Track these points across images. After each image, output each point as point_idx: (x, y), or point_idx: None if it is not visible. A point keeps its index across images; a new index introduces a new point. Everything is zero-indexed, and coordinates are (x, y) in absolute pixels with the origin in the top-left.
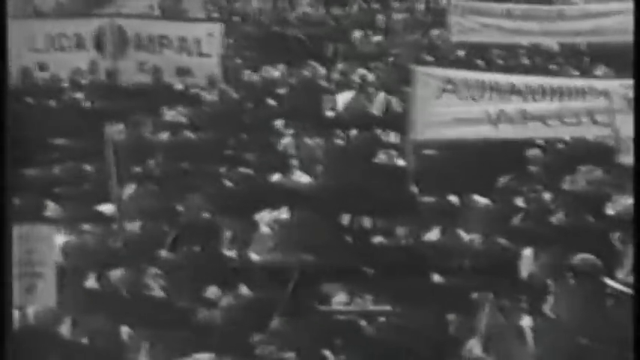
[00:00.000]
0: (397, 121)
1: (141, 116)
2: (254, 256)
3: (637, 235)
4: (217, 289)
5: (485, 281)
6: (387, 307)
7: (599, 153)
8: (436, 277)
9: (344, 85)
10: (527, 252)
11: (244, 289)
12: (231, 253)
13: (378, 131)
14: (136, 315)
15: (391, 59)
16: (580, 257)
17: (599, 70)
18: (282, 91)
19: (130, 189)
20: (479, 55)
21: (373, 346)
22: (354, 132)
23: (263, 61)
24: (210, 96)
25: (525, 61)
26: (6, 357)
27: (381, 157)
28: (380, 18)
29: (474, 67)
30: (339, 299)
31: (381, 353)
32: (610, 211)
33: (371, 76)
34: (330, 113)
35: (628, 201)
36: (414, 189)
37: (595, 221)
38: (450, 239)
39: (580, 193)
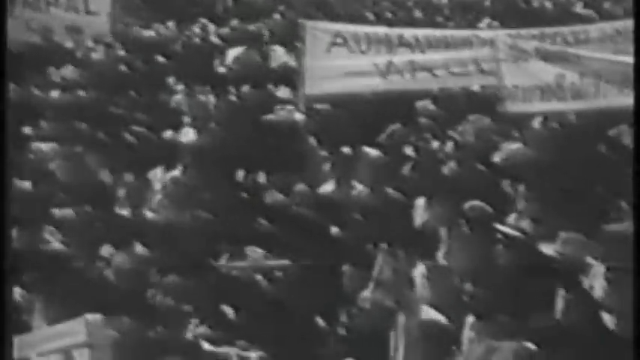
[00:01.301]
0: (289, 76)
1: (30, 75)
2: (148, 214)
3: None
4: (111, 247)
5: (380, 232)
6: (284, 261)
7: (486, 102)
8: (332, 230)
9: (234, 40)
10: (420, 201)
11: (139, 248)
12: (125, 212)
13: (271, 86)
14: (30, 275)
15: (280, 15)
16: (471, 205)
17: (484, 23)
18: (172, 48)
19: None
20: (368, 9)
21: (270, 300)
22: (246, 88)
23: (153, 19)
24: (99, 55)
25: (414, 13)
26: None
27: (275, 113)
28: None
29: (363, 21)
30: (235, 255)
31: (277, 307)
32: (497, 158)
33: (262, 32)
34: (221, 70)
35: (513, 146)
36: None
37: (485, 169)
38: (344, 191)
39: (469, 143)
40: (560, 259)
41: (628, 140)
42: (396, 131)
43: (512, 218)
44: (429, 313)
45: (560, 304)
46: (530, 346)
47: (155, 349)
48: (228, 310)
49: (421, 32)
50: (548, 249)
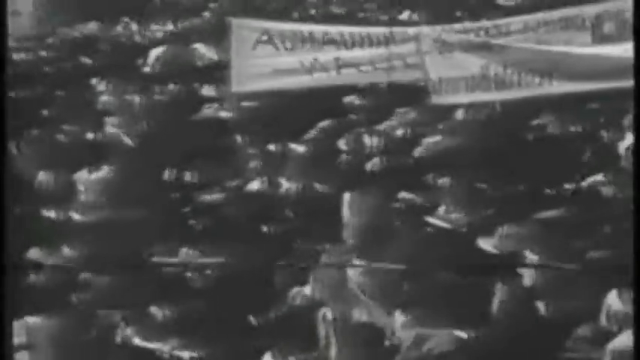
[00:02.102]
0: (215, 75)
1: None
2: (75, 216)
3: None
4: (39, 250)
5: (310, 228)
6: (215, 259)
7: (412, 95)
8: (262, 227)
9: (160, 40)
10: (350, 196)
11: (66, 250)
12: (51, 214)
13: (197, 85)
14: None
15: (207, 12)
16: (400, 197)
17: (406, 15)
18: (97, 48)
19: None
20: (293, 7)
21: (201, 298)
22: (172, 87)
23: (76, 19)
24: (23, 55)
25: (338, 10)
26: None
27: (201, 111)
28: None
29: (289, 19)
30: (167, 253)
31: (209, 305)
32: (424, 151)
33: (187, 30)
34: (146, 69)
35: (436, 139)
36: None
37: (410, 162)
38: (272, 188)
39: (396, 136)
40: (499, 253)
41: (552, 129)
42: (325, 127)
43: (441, 211)
44: (362, 308)
45: (497, 296)
46: (463, 334)
47: (90, 350)
48: (160, 310)
49: (346, 29)
50: (486, 244)
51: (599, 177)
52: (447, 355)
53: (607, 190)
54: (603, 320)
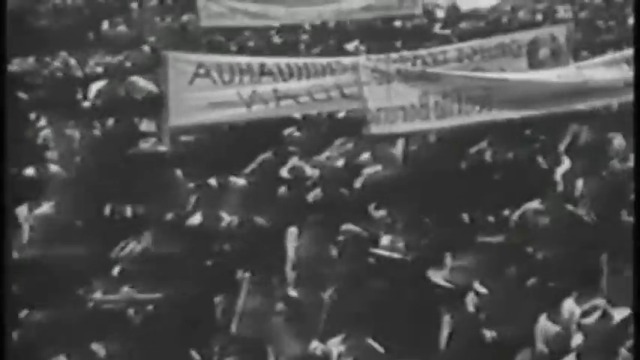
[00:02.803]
0: (154, 108)
1: None
2: (15, 254)
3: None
4: None
5: (250, 261)
6: (155, 295)
7: (350, 126)
8: (203, 261)
9: (97, 74)
10: (292, 229)
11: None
12: None
13: (136, 119)
14: None
15: (145, 46)
16: (344, 229)
17: (345, 46)
18: (35, 82)
19: None
20: (230, 39)
21: (142, 334)
22: (110, 121)
23: (14, 54)
24: None
25: (276, 40)
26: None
27: (139, 145)
28: (131, 5)
29: (226, 51)
30: (106, 289)
31: (150, 340)
32: (364, 183)
33: (125, 64)
34: (86, 104)
35: (376, 169)
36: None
37: (350, 193)
38: (213, 222)
39: (335, 167)
40: (447, 285)
41: (488, 156)
42: (265, 160)
43: (385, 241)
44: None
45: (445, 326)
46: None
47: None
48: (102, 347)
49: (283, 61)
50: (436, 276)
51: (535, 204)
52: None
53: (543, 217)
54: (540, 345)
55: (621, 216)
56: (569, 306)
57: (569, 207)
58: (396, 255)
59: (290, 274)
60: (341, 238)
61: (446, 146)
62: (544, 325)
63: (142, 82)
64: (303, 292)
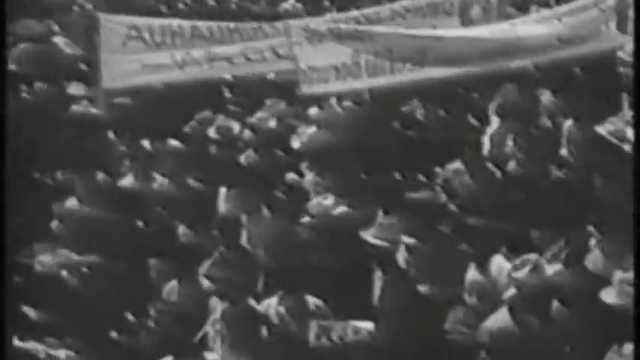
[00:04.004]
0: (84, 71)
1: None
2: None
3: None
4: None
5: (183, 222)
6: (90, 257)
7: (282, 86)
8: (136, 223)
9: (27, 38)
10: (223, 190)
11: None
12: None
13: (65, 82)
14: None
15: (75, 8)
16: (276, 189)
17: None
18: None
19: None
20: (162, 1)
21: (77, 296)
22: (39, 85)
23: None
24: None
25: (210, 2)
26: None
27: (72, 108)
28: None
29: (159, 14)
30: (39, 251)
31: (85, 303)
32: (296, 143)
33: (54, 26)
34: (12, 67)
35: (310, 130)
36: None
37: (283, 153)
38: (146, 184)
39: (267, 129)
40: (379, 243)
41: (419, 115)
42: (198, 122)
43: (315, 201)
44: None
45: (378, 282)
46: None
47: None
48: (34, 310)
49: (215, 24)
50: (367, 234)
51: (460, 163)
52: (352, 344)
53: (468, 175)
54: (471, 297)
55: (550, 171)
56: (499, 260)
57: (494, 165)
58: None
59: (223, 235)
60: (273, 197)
61: (378, 105)
62: (473, 278)
63: (72, 46)
64: (238, 253)
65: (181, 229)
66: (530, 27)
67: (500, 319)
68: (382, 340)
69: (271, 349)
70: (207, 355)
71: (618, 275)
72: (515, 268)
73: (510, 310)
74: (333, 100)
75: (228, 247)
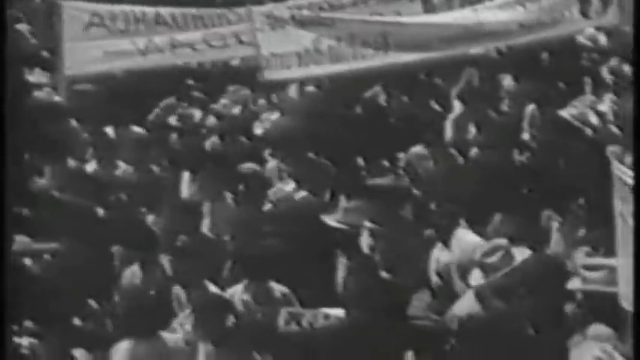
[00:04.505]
0: (49, 59)
1: None
2: None
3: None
4: None
5: (147, 207)
6: (52, 244)
7: (245, 72)
8: (98, 210)
9: None
10: (185, 175)
11: None
12: None
13: (26, 69)
14: None
15: None
16: (239, 175)
17: None
18: None
19: None
20: None
21: (38, 283)
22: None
23: None
24: None
25: None
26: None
27: (34, 95)
28: None
29: (121, 0)
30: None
31: (47, 290)
32: (259, 130)
33: (15, 13)
34: None
35: (274, 117)
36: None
37: (247, 140)
38: (109, 170)
39: (231, 115)
40: (341, 227)
41: (382, 100)
42: (161, 108)
43: (278, 187)
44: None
45: (341, 268)
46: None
47: None
48: None
49: (178, 11)
50: (330, 219)
51: (421, 147)
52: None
53: (430, 160)
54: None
55: (513, 155)
56: (463, 245)
57: (457, 150)
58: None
59: (186, 222)
60: (237, 184)
61: (341, 90)
62: (437, 262)
63: (32, 33)
64: (201, 240)
65: (144, 216)
66: (493, 13)
67: (467, 304)
68: (350, 326)
69: (238, 335)
70: (168, 336)
71: (580, 260)
72: (486, 255)
73: (477, 295)
74: (296, 87)
75: (191, 233)
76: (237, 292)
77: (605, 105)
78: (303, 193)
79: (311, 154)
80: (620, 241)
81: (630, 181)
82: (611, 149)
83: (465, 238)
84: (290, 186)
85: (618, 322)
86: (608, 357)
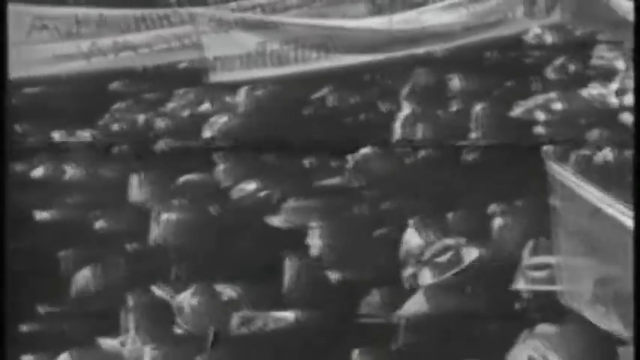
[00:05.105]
0: None
1: None
2: None
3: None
4: None
5: (96, 212)
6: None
7: (191, 75)
8: (42, 215)
9: None
10: (134, 179)
11: None
12: None
13: None
14: None
15: None
16: (184, 180)
17: None
18: None
19: None
20: None
21: None
22: None
23: None
24: None
25: None
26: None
27: None
28: None
29: (65, 3)
30: None
31: None
32: (208, 133)
33: None
34: None
35: (223, 119)
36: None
37: (196, 143)
38: (57, 175)
39: (180, 118)
40: (287, 228)
41: (330, 102)
42: (110, 112)
43: (226, 189)
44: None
45: (288, 270)
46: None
47: None
48: None
49: (121, 12)
50: (276, 221)
51: (370, 148)
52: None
53: (378, 161)
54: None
55: (462, 154)
56: (411, 245)
57: (405, 150)
58: (240, 202)
59: (135, 226)
60: (185, 187)
61: (289, 93)
62: (387, 261)
63: None
64: (151, 244)
65: (93, 221)
66: (436, 15)
67: (415, 304)
68: (300, 328)
69: (184, 340)
70: (113, 342)
71: (525, 260)
72: (435, 255)
73: (426, 294)
74: (245, 90)
75: (140, 238)
76: (186, 297)
77: (551, 103)
78: (251, 195)
79: (260, 157)
80: (558, 240)
81: (566, 181)
82: (546, 148)
83: (413, 239)
84: (239, 188)
85: (562, 320)
86: (541, 357)
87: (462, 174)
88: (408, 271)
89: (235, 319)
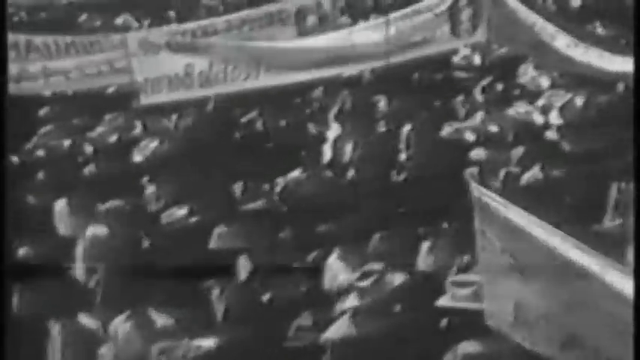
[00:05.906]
0: None
1: None
2: None
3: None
4: None
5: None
6: None
7: (120, 99)
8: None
9: None
10: (60, 203)
11: None
12: None
13: None
14: None
15: None
16: (109, 206)
17: (120, 20)
18: None
19: None
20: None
21: None
22: None
23: None
24: None
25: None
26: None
27: None
28: None
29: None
30: None
31: None
32: (138, 157)
33: None
34: None
35: (152, 144)
36: None
37: (124, 168)
38: None
39: (109, 143)
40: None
41: (259, 125)
42: (37, 137)
43: (156, 214)
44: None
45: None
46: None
47: None
48: None
49: (50, 38)
50: (209, 245)
51: (298, 171)
52: None
53: (307, 184)
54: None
55: (391, 177)
56: (334, 272)
57: (334, 172)
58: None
59: (60, 252)
60: (114, 213)
61: (219, 116)
62: (315, 285)
63: None
64: (78, 269)
65: (19, 247)
66: (364, 34)
67: (341, 327)
68: (226, 353)
69: None
70: None
71: (451, 278)
72: (359, 279)
73: (352, 318)
74: (176, 114)
75: (66, 263)
76: (119, 324)
77: (478, 124)
78: (181, 221)
79: (190, 180)
80: (482, 260)
81: (490, 202)
82: (469, 171)
83: (335, 265)
84: (168, 213)
85: (486, 340)
86: None
87: (392, 195)
88: (334, 295)
89: (155, 349)
